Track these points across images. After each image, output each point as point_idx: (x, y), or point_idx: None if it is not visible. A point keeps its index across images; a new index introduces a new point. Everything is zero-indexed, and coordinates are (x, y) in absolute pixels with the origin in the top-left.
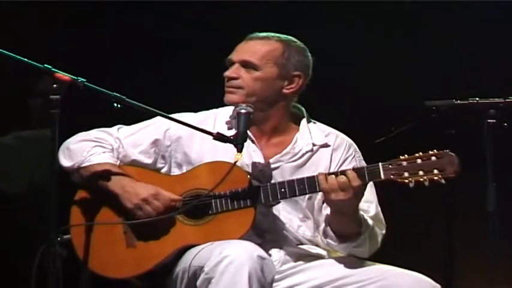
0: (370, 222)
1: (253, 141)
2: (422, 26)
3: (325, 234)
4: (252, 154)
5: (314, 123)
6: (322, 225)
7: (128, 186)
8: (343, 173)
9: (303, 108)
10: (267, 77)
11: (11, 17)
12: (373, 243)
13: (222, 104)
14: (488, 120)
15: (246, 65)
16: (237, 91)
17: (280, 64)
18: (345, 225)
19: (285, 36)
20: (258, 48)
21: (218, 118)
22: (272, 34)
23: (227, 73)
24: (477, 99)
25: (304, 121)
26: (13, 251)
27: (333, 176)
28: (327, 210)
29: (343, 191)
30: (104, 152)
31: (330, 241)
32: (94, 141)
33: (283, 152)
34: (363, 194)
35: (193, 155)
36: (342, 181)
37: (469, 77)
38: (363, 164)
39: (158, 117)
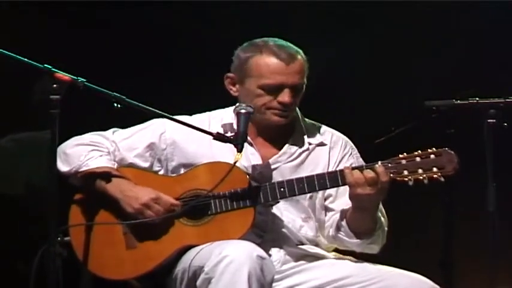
0: (382, 218)
1: (251, 144)
2: (422, 26)
3: (338, 228)
4: (250, 157)
5: (309, 122)
6: (335, 218)
7: (128, 190)
8: (371, 167)
9: (297, 108)
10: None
11: (11, 17)
12: (383, 238)
13: (218, 106)
14: (488, 120)
15: (297, 87)
16: (289, 114)
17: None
18: (363, 222)
19: (295, 46)
20: (300, 68)
21: (212, 121)
22: (295, 48)
23: (288, 99)
24: (477, 99)
25: (299, 121)
26: (12, 252)
27: (358, 170)
28: (334, 206)
29: (370, 185)
30: (101, 156)
31: (343, 236)
32: (90, 145)
33: (280, 152)
34: (387, 190)
35: (190, 158)
36: (370, 176)
37: (469, 77)
38: (360, 160)
39: (153, 121)
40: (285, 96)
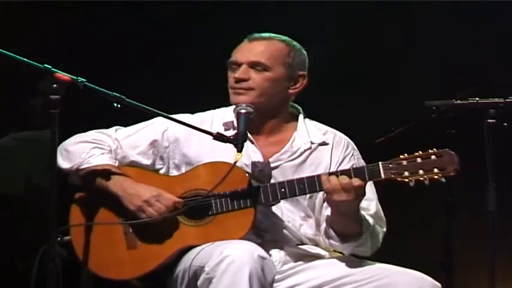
0: (371, 221)
1: (252, 142)
2: (422, 25)
3: (327, 235)
4: (251, 154)
5: (311, 122)
6: (323, 225)
7: (130, 188)
8: (345, 173)
9: (300, 108)
10: (277, 77)
11: (12, 17)
12: (374, 241)
13: (220, 105)
14: (488, 120)
15: (256, 65)
16: (247, 92)
17: (287, 64)
18: (346, 225)
19: (284, 36)
20: (264, 49)
21: (215, 119)
22: (273, 34)
23: (237, 74)
24: (477, 99)
25: (301, 120)
26: (12, 252)
27: (335, 176)
28: (327, 211)
29: (346, 191)
30: (102, 154)
31: (332, 241)
32: (92, 142)
33: (282, 150)
34: (364, 194)
35: (192, 155)
36: (345, 182)
37: (469, 77)
38: (361, 161)
39: (156, 119)
40: (239, 72)
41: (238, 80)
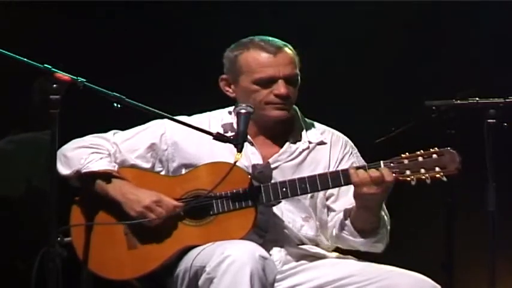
0: (385, 217)
1: (251, 143)
2: (422, 25)
3: (342, 228)
4: (250, 156)
5: (308, 121)
6: (338, 218)
7: (129, 193)
8: (375, 167)
9: (296, 107)
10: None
11: (12, 17)
12: (387, 237)
13: (220, 105)
14: (488, 120)
15: (290, 78)
16: (289, 107)
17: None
18: (367, 221)
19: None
20: (290, 59)
21: (212, 121)
22: (282, 42)
23: (283, 91)
24: (477, 99)
25: (298, 119)
26: (12, 252)
27: (363, 170)
28: (336, 206)
29: (376, 184)
30: (101, 158)
31: (347, 236)
32: (91, 147)
33: (281, 151)
34: (391, 189)
35: (191, 157)
36: (376, 175)
37: (469, 77)
38: (361, 159)
39: (153, 122)
40: (280, 88)
41: (282, 96)
